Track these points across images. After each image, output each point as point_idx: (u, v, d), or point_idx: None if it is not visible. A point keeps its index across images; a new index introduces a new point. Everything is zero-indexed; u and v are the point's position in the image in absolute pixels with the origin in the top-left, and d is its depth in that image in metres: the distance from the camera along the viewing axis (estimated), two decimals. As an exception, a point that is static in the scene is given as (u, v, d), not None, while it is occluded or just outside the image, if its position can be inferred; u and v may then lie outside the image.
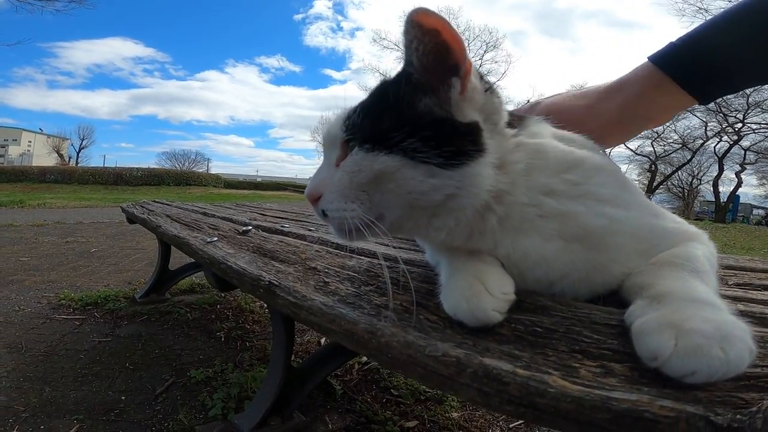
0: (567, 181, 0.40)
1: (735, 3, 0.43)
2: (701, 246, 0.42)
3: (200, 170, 30.70)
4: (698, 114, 17.84)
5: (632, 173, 25.71)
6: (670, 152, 21.85)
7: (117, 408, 1.09)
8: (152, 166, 24.72)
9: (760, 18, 0.41)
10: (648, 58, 0.46)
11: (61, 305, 1.95)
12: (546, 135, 0.44)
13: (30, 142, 45.55)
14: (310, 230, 0.93)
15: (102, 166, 23.10)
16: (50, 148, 38.07)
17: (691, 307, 0.29)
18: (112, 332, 1.64)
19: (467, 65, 0.38)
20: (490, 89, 0.41)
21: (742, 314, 0.30)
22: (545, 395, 0.24)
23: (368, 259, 0.57)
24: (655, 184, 22.77)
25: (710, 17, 0.45)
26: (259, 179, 33.70)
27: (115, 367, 1.33)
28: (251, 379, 1.11)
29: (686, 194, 24.74)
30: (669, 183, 24.29)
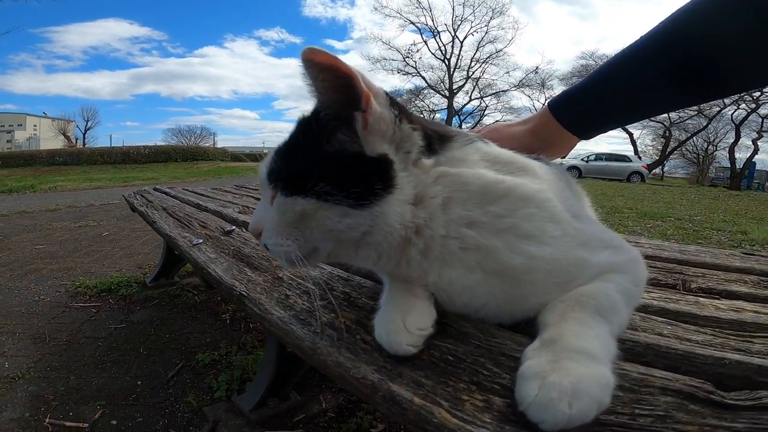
0: (490, 213, 0.40)
1: (616, 53, 0.53)
2: (621, 278, 0.41)
3: (207, 145, 30.59)
4: None
5: (645, 138, 25.09)
6: (685, 119, 21.28)
7: (134, 392, 1.20)
8: (159, 143, 24.71)
9: (626, 70, 0.51)
10: (547, 104, 0.58)
11: (77, 293, 2.06)
12: (473, 158, 0.43)
13: (35, 126, 45.70)
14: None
15: (109, 146, 23.22)
16: (56, 131, 38.13)
17: (566, 358, 0.32)
18: (126, 318, 1.75)
19: (366, 97, 0.38)
20: (401, 116, 0.41)
21: (648, 346, 0.34)
22: (430, 424, 0.29)
23: (330, 270, 0.61)
24: (668, 149, 22.41)
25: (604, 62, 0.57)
26: (265, 151, 33.41)
27: (130, 353, 1.43)
28: (252, 362, 1.20)
29: (701, 160, 24.21)
30: (683, 149, 23.82)
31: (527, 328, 0.39)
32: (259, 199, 1.53)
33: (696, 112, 20.04)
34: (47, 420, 1.07)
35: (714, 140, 23.28)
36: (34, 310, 1.84)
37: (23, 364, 1.35)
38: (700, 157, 24.33)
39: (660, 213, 5.28)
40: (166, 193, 1.79)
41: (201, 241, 0.85)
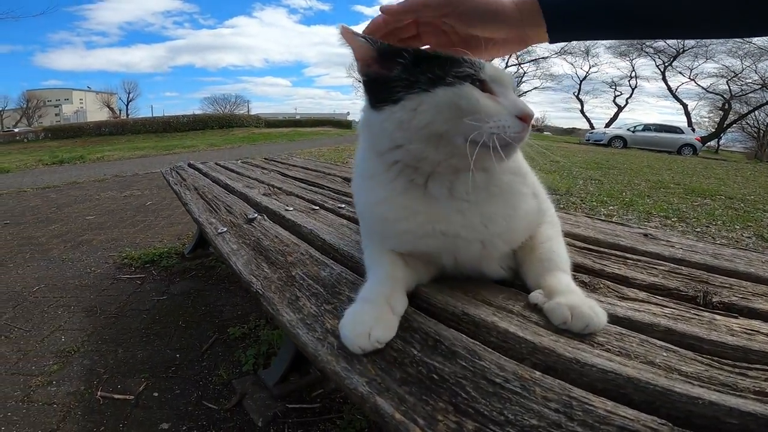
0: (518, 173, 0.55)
1: None
2: (554, 226, 0.62)
3: (241, 112, 31.18)
4: None
5: (701, 110, 23.43)
6: (748, 92, 19.69)
7: (173, 365, 1.29)
8: (197, 112, 25.45)
9: None
10: None
11: (124, 264, 2.21)
12: None
13: (81, 100, 48.13)
14: (311, 211, 1.00)
15: (151, 116, 24.19)
16: (101, 103, 39.99)
17: (569, 294, 0.47)
18: (167, 290, 1.87)
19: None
20: None
21: (629, 379, 0.35)
22: (407, 440, 0.30)
23: (339, 270, 0.63)
24: (726, 122, 20.90)
25: None
26: (298, 117, 33.75)
27: (171, 326, 1.53)
28: (277, 337, 1.27)
29: (762, 134, 22.32)
30: (743, 122, 22.06)
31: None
32: (285, 174, 1.57)
33: (760, 86, 18.55)
34: (99, 393, 1.15)
35: None
36: (85, 282, 1.99)
37: (78, 337, 1.47)
38: (761, 131, 22.52)
39: (710, 190, 4.94)
40: (198, 170, 1.86)
41: (225, 229, 0.89)
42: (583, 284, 0.56)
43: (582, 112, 28.55)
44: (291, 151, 8.31)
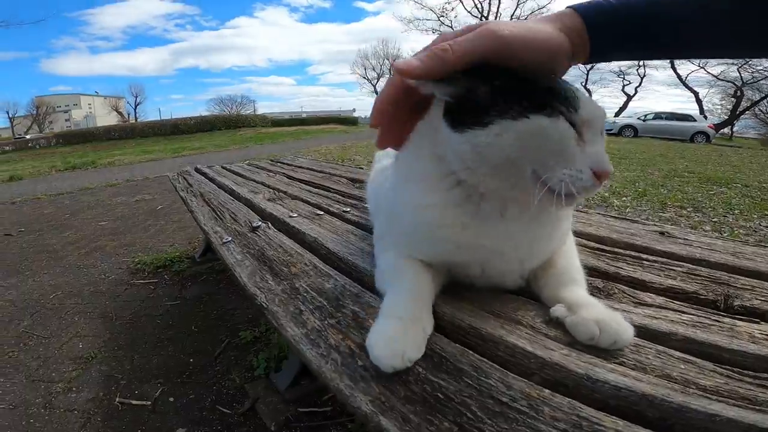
0: None
1: None
2: (571, 240, 0.59)
3: (248, 112, 31.36)
4: None
5: (713, 98, 23.21)
6: (759, 79, 19.49)
7: (187, 370, 1.30)
8: (203, 114, 25.68)
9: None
10: (576, 7, 0.42)
11: (137, 269, 2.24)
12: None
13: (90, 104, 48.91)
14: (316, 217, 0.99)
15: (159, 119, 24.47)
16: (109, 108, 40.57)
17: (593, 308, 0.45)
18: (180, 294, 1.89)
19: None
20: None
21: (643, 396, 0.33)
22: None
23: (343, 282, 0.61)
24: (739, 109, 20.70)
25: None
26: (303, 115, 33.87)
27: (184, 331, 1.55)
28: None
29: None
30: (756, 109, 21.75)
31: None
32: (291, 176, 1.56)
33: None
34: (117, 399, 1.17)
35: None
36: (101, 288, 2.02)
37: (95, 344, 1.49)
38: None
39: (725, 178, 4.82)
40: (204, 174, 1.86)
41: (230, 239, 0.88)
42: (597, 290, 0.54)
43: (586, 103, 28.10)
44: (298, 150, 8.34)
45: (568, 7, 0.43)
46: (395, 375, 0.40)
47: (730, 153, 8.94)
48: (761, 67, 19.24)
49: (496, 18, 24.47)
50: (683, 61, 22.57)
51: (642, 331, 0.43)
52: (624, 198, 3.60)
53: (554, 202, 0.40)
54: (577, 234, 0.78)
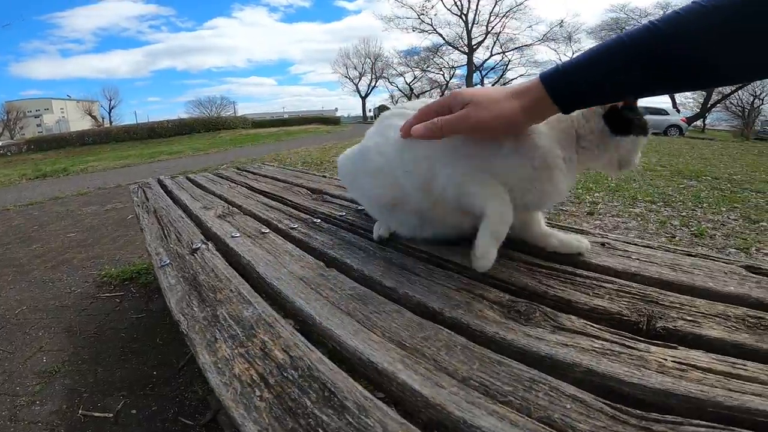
0: None
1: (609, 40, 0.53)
2: None
3: (228, 114, 30.82)
4: None
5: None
6: None
7: (150, 383, 1.30)
8: (182, 116, 25.16)
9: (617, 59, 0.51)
10: (540, 77, 0.56)
11: (104, 282, 2.20)
12: None
13: (62, 109, 47.44)
14: (260, 236, 0.97)
15: (135, 122, 23.79)
16: (82, 112, 39.40)
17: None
18: (146, 307, 1.85)
19: None
20: None
21: None
22: None
23: (261, 310, 0.60)
24: (710, 103, 21.76)
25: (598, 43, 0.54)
26: (285, 116, 33.52)
27: (148, 344, 1.53)
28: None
29: (746, 113, 22.76)
30: (727, 102, 22.59)
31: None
32: (252, 188, 1.54)
33: None
34: (80, 411, 1.19)
35: (760, 94, 21.96)
36: (66, 303, 1.99)
37: (59, 357, 1.49)
38: (745, 110, 22.92)
39: (696, 171, 4.95)
40: (164, 187, 1.82)
41: (168, 262, 0.86)
42: (518, 313, 0.54)
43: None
44: (278, 153, 8.25)
45: (539, 76, 0.56)
46: (288, 407, 0.40)
47: (702, 145, 9.18)
48: (731, 61, 19.93)
49: (475, 15, 24.57)
50: (657, 55, 23.21)
51: (547, 362, 0.43)
52: (596, 194, 3.66)
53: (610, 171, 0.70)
54: (522, 247, 0.78)
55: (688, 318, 0.52)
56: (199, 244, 0.91)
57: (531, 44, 26.39)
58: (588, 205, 3.23)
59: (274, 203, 1.29)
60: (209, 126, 19.50)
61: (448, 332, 0.50)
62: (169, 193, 1.66)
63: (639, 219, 2.86)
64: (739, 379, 0.39)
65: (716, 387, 0.38)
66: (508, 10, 25.05)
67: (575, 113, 0.63)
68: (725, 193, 3.83)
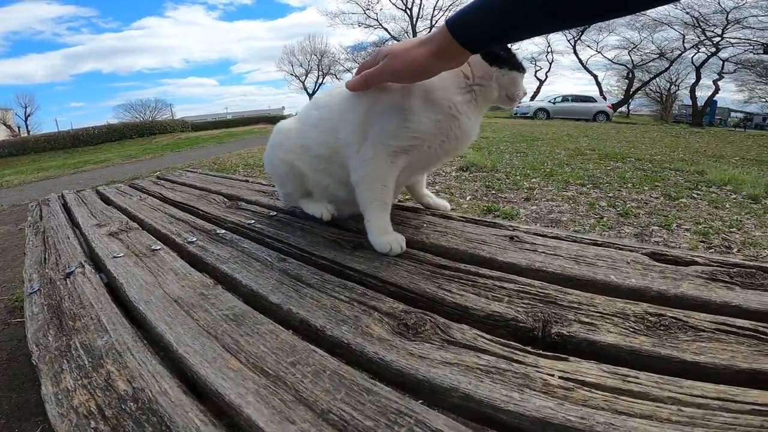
0: None
1: None
2: None
3: (164, 117, 28.93)
4: (676, 27, 18.06)
5: (610, 80, 26.23)
6: (647, 61, 22.31)
7: None
8: (111, 121, 23.34)
9: None
10: (446, 23, 0.58)
11: (15, 307, 2.01)
12: None
13: (-28, 119, 42.40)
14: (150, 254, 0.86)
15: (56, 130, 21.49)
16: (-5, 121, 35.44)
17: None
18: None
19: None
20: None
21: None
22: None
23: (115, 339, 0.52)
24: (632, 90, 23.75)
25: None
26: (229, 116, 32.11)
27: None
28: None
29: (664, 99, 25.07)
30: (647, 89, 25.15)
31: None
32: (165, 198, 1.40)
33: (658, 55, 20.84)
34: None
35: (676, 81, 24.64)
36: (-21, 330, 1.76)
37: None
38: (663, 96, 25.20)
39: (621, 153, 5.29)
40: (64, 203, 1.62)
41: (37, 288, 0.74)
42: (405, 328, 0.49)
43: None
44: (218, 157, 7.85)
45: (445, 22, 0.58)
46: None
47: (626, 129, 9.88)
48: (648, 50, 21.75)
49: (420, 9, 24.86)
50: (583, 46, 24.75)
51: (425, 387, 0.38)
52: (533, 180, 3.79)
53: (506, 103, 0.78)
54: (429, 248, 0.74)
55: (585, 320, 0.50)
56: (74, 268, 0.79)
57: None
58: (525, 191, 3.32)
59: (181, 214, 1.17)
60: (143, 131, 18.15)
61: (322, 354, 0.44)
62: (67, 210, 1.47)
63: (571, 202, 2.98)
64: (629, 397, 0.36)
65: (602, 409, 0.34)
66: (451, 4, 25.57)
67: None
68: (647, 173, 4.11)
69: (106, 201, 1.63)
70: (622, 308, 0.52)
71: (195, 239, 0.90)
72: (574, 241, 0.71)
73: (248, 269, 0.73)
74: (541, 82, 28.51)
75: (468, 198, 3.08)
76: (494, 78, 0.72)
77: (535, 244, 0.71)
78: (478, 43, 0.58)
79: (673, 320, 0.50)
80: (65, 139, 16.52)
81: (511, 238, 0.74)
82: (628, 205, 2.87)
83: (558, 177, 3.85)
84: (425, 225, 0.81)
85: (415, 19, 25.71)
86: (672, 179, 3.81)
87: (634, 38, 22.86)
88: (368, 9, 26.33)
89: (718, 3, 17.53)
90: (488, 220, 0.83)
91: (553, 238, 0.73)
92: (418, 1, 25.73)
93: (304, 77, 33.26)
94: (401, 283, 0.61)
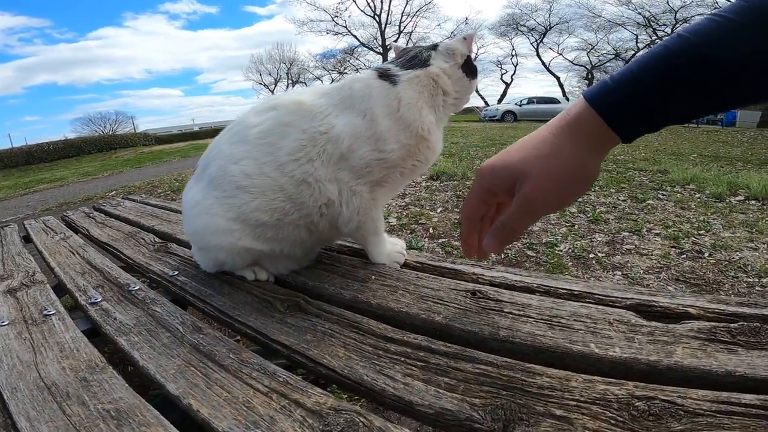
0: None
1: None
2: None
3: (126, 130, 27.78)
4: (629, 28, 19.02)
5: (572, 81, 27.26)
6: (604, 62, 23.18)
7: None
8: (69, 136, 22.20)
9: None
10: (584, 96, 0.41)
11: None
12: None
13: None
14: (41, 321, 0.71)
15: (9, 147, 20.12)
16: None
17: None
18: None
19: None
20: None
21: None
22: None
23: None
24: None
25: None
26: (196, 128, 31.20)
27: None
28: None
29: None
30: None
31: None
32: (91, 237, 1.23)
33: (614, 56, 21.82)
34: None
35: None
36: None
37: None
38: None
39: (587, 154, 5.35)
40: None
41: None
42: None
43: (477, 91, 30.45)
44: (181, 172, 7.51)
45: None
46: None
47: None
48: (605, 51, 22.71)
49: (388, 16, 24.97)
50: (546, 48, 25.59)
51: None
52: (503, 187, 3.74)
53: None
54: (371, 311, 0.61)
55: (557, 413, 0.39)
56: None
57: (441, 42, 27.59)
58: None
59: (100, 260, 1.01)
60: (102, 145, 17.25)
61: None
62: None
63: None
64: None
65: None
66: (418, 9, 25.82)
67: (438, 72, 0.68)
68: (612, 174, 4.15)
69: (27, 239, 1.44)
70: (603, 392, 0.42)
71: (100, 299, 0.75)
72: (547, 293, 0.61)
73: (152, 343, 0.60)
74: (507, 85, 29.16)
75: (439, 210, 2.99)
76: (464, 90, 0.71)
77: (500, 301, 0.59)
78: (638, 122, 0.41)
79: (665, 404, 0.40)
80: (18, 156, 15.51)
81: (474, 293, 0.62)
82: (598, 210, 2.85)
83: (527, 182, 3.82)
84: (374, 277, 0.68)
85: (384, 26, 25.80)
86: (637, 180, 3.85)
87: (592, 39, 23.83)
88: (336, 16, 26.27)
89: (667, 2, 18.44)
90: (447, 266, 0.72)
91: (522, 289, 0.62)
92: (386, 8, 25.79)
93: (273, 86, 32.77)
94: (335, 366, 0.49)
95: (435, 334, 0.53)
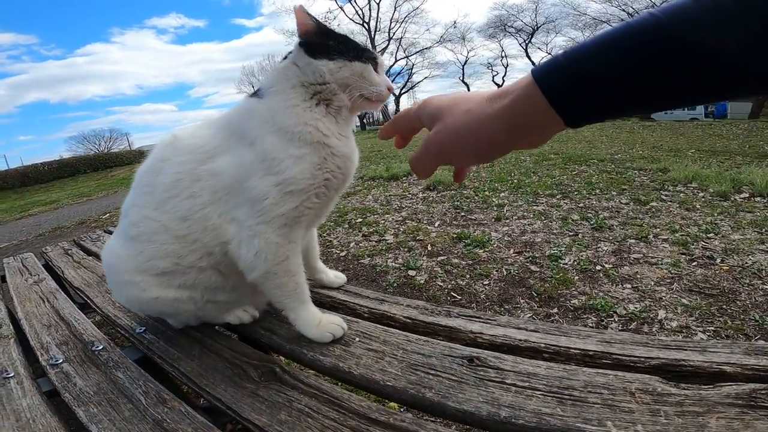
0: None
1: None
2: None
3: (121, 148, 27.62)
4: (614, 24, 19.65)
5: None
6: None
7: None
8: (64, 155, 22.11)
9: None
10: (532, 72, 0.37)
11: None
12: None
13: None
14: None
15: (5, 168, 20.00)
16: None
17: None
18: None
19: None
20: None
21: None
22: None
23: None
24: None
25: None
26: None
27: None
28: None
29: None
30: None
31: None
32: (64, 280, 1.16)
33: None
34: None
35: None
36: None
37: None
38: None
39: (584, 155, 5.29)
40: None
41: None
42: None
43: (467, 94, 30.56)
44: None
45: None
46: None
47: (584, 128, 10.09)
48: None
49: (377, 23, 25.09)
50: (534, 48, 25.67)
51: None
52: (502, 194, 3.68)
53: (369, 106, 0.64)
54: (354, 384, 0.54)
55: None
56: None
57: (431, 47, 27.63)
58: (495, 209, 3.19)
59: (69, 310, 0.93)
60: (97, 164, 17.18)
61: None
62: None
63: (543, 218, 2.86)
64: None
65: None
66: (407, 15, 25.93)
67: (287, 64, 0.63)
68: (612, 174, 4.08)
69: (3, 278, 1.37)
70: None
71: (62, 360, 0.68)
72: (557, 356, 0.53)
73: (112, 416, 0.53)
74: (499, 87, 29.16)
75: (437, 224, 2.91)
76: (328, 75, 0.60)
77: (502, 370, 0.51)
78: (579, 103, 0.36)
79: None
80: (14, 178, 15.41)
81: (471, 360, 0.54)
82: (601, 216, 2.77)
83: (526, 188, 3.75)
84: (357, 339, 0.61)
85: (373, 33, 25.88)
86: (637, 180, 3.78)
87: (579, 38, 23.92)
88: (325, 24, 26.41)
89: (649, -2, 18.52)
90: (442, 322, 0.64)
91: (528, 352, 0.54)
92: (374, 15, 25.89)
93: (266, 97, 32.71)
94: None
95: (426, 411, 0.46)
